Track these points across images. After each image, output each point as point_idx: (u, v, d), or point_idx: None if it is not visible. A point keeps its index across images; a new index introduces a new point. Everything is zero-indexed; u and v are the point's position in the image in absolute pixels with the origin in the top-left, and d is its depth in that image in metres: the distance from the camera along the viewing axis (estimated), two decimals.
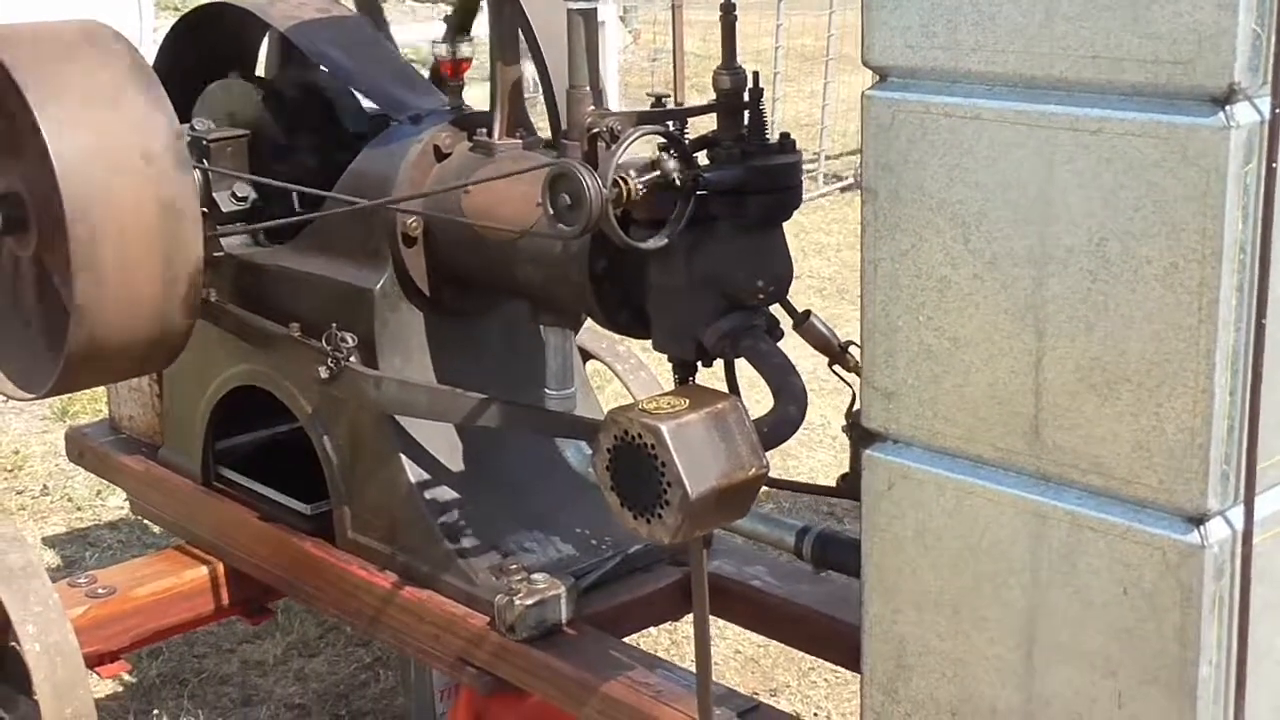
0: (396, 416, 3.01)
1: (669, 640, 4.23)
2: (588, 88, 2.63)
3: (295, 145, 3.37)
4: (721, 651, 4.22)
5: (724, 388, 2.57)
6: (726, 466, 2.28)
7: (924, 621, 2.16)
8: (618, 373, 3.84)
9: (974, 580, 2.09)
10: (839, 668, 3.29)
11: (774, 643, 3.72)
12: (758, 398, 2.45)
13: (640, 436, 2.27)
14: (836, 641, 2.87)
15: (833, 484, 2.73)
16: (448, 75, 3.09)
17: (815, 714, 4.00)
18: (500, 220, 2.80)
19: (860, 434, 2.20)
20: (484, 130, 2.97)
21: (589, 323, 2.94)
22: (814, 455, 5.35)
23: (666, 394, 2.37)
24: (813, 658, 3.61)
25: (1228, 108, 1.75)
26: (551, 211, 2.38)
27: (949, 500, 2.09)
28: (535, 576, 2.85)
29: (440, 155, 3.00)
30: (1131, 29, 1.81)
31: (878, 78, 2.06)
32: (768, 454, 2.34)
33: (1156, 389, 1.86)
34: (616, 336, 3.06)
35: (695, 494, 2.24)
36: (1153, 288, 1.84)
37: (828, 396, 4.61)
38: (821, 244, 8.21)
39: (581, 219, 2.33)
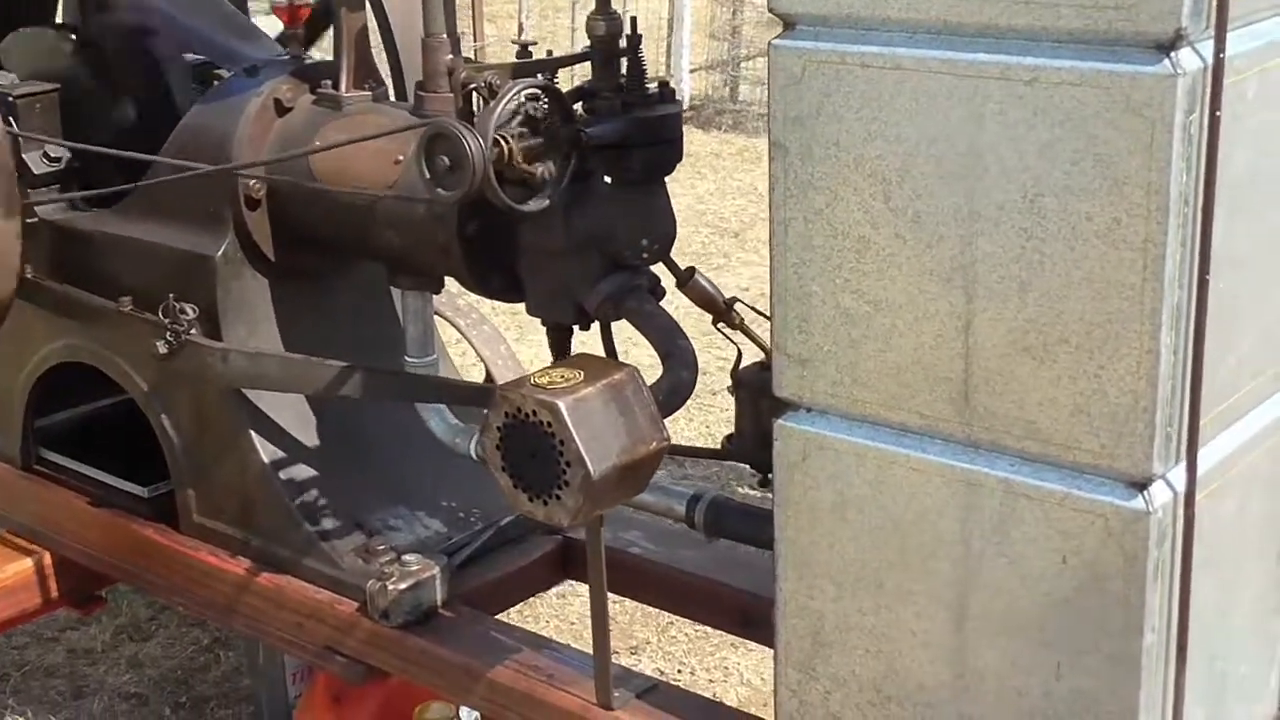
0: (245, 391, 2.86)
1: (526, 611, 4.12)
2: (445, 35, 2.49)
3: (113, 100, 3.15)
4: (577, 610, 4.13)
5: (597, 351, 2.49)
6: (627, 441, 2.21)
7: (844, 597, 2.09)
8: (460, 329, 3.69)
9: (899, 553, 2.03)
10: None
11: (629, 600, 3.66)
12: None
13: (535, 414, 2.18)
14: (726, 608, 2.82)
15: (717, 446, 2.66)
16: (285, 22, 2.89)
17: (679, 670, 3.94)
18: (355, 180, 2.65)
19: (770, 403, 2.11)
20: (329, 82, 2.80)
21: None
22: (695, 419, 5.30)
23: (557, 366, 2.29)
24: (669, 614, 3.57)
25: (1173, 54, 1.69)
26: (428, 175, 2.23)
27: (870, 470, 2.02)
28: (406, 558, 2.73)
29: (282, 109, 2.83)
30: None
31: (785, 26, 1.95)
32: None
33: (1097, 350, 1.80)
34: (457, 289, 2.94)
35: (597, 473, 2.16)
36: (1093, 245, 1.77)
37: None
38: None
39: (463, 182, 2.21)
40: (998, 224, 1.84)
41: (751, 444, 2.52)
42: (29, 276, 3.03)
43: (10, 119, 3.03)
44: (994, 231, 1.84)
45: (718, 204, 7.86)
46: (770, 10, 1.95)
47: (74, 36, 3.20)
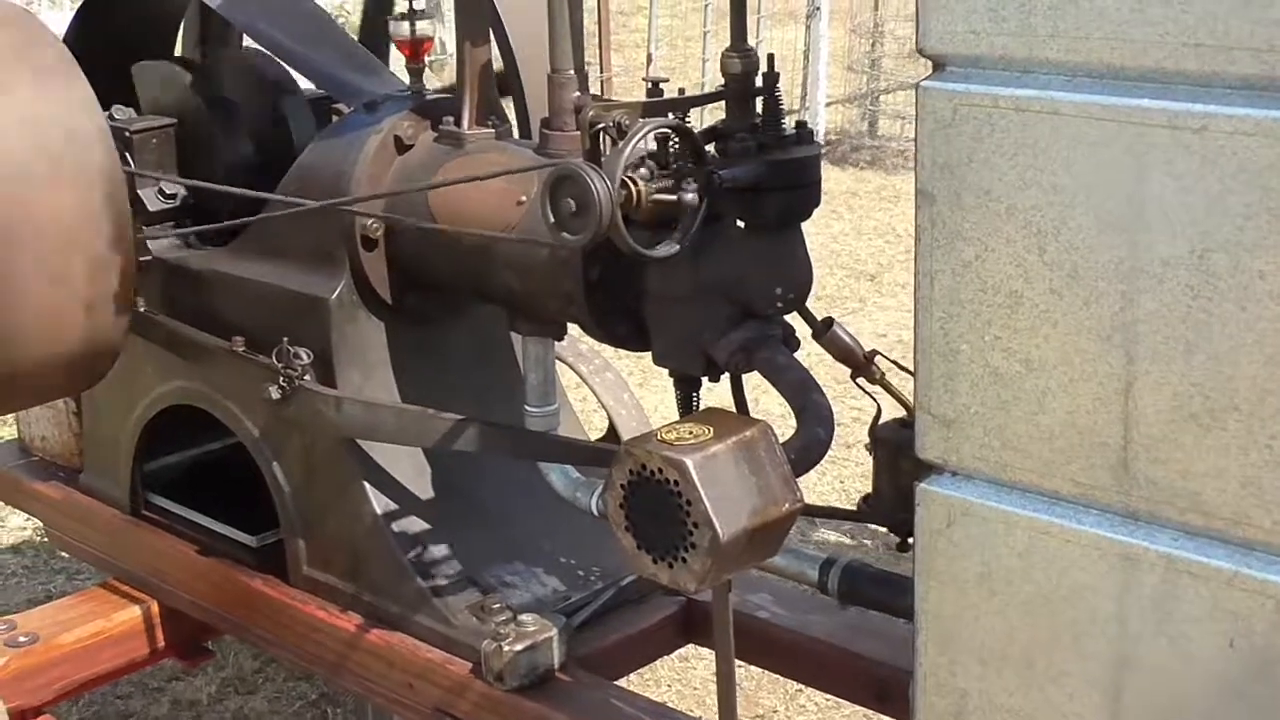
0: (358, 440, 2.88)
1: (646, 675, 4.11)
2: (572, 71, 2.50)
3: (230, 136, 3.20)
4: (700, 675, 4.10)
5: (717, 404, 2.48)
6: (758, 502, 2.20)
7: (989, 675, 2.05)
8: (582, 375, 3.71)
9: (1050, 630, 1.98)
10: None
11: (755, 667, 3.64)
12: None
13: (661, 471, 2.17)
14: (860, 679, 2.78)
15: (852, 505, 2.64)
16: (406, 56, 2.92)
17: None
18: (476, 220, 2.66)
19: (911, 463, 2.08)
20: (450, 119, 2.82)
21: None
22: (827, 473, 5.27)
23: (685, 421, 2.27)
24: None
25: None
26: (552, 218, 2.23)
27: (1020, 540, 1.97)
28: (522, 617, 2.73)
29: (402, 147, 2.85)
30: (1242, 13, 1.68)
31: (934, 67, 1.93)
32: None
33: (1270, 419, 1.75)
34: (578, 333, 2.95)
35: (726, 535, 2.15)
36: (1266, 305, 1.72)
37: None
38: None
39: (589, 227, 2.20)
40: (1161, 280, 1.79)
41: (890, 505, 2.49)
42: (142, 311, 3.08)
43: (127, 154, 3.09)
44: (1157, 289, 1.79)
45: (853, 244, 7.83)
46: (919, 51, 1.93)
47: (192, 70, 3.25)
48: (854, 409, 4.90)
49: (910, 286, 2.02)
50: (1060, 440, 1.92)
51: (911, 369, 2.06)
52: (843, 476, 5.24)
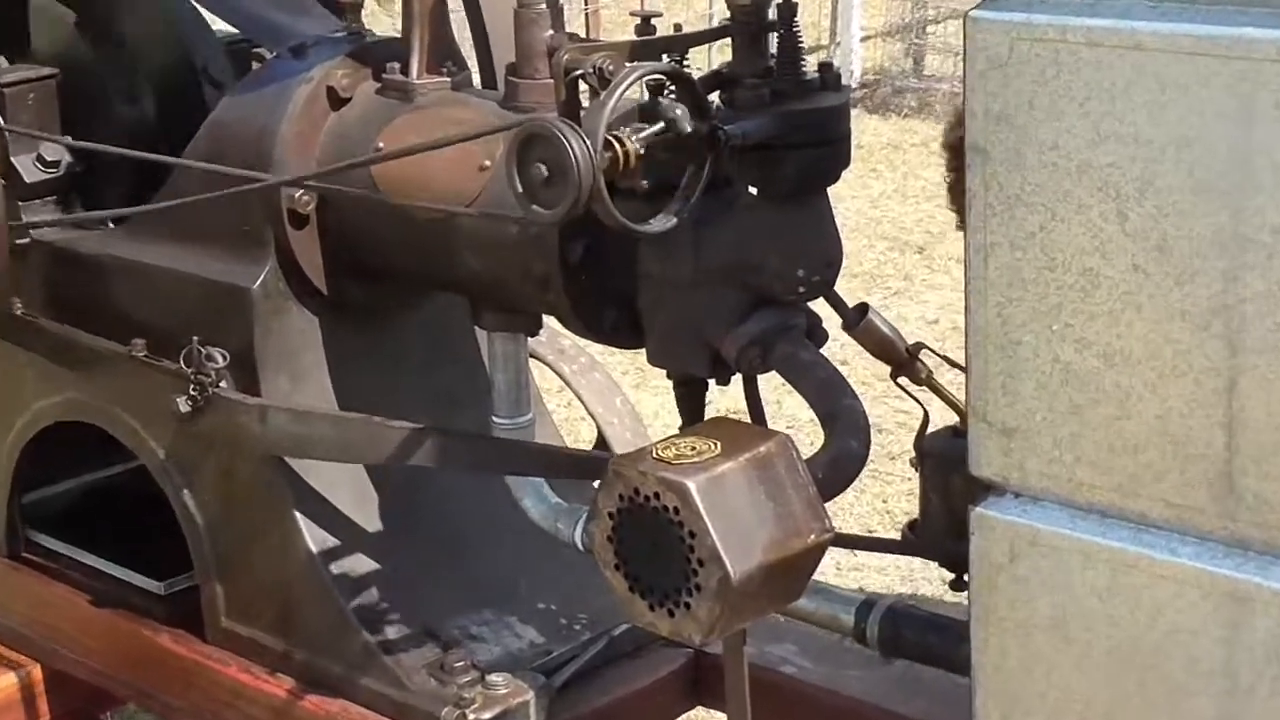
0: (289, 459, 2.90)
1: None
2: (544, 5, 2.51)
3: (126, 89, 3.22)
4: None
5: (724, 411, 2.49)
6: (778, 533, 2.21)
7: None
8: (564, 376, 3.72)
9: (1139, 685, 1.99)
10: None
11: None
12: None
13: (658, 496, 2.19)
14: None
15: (896, 536, 2.67)
16: None
17: None
18: (429, 190, 2.67)
19: (965, 482, 2.09)
20: (396, 65, 2.82)
21: None
22: (864, 493, 5.30)
23: (687, 433, 2.29)
24: None
25: None
26: (521, 187, 2.24)
27: (1100, 576, 1.99)
28: (492, 677, 2.76)
29: (337, 100, 2.86)
30: None
31: None
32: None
33: None
34: (558, 327, 2.96)
35: (739, 574, 2.16)
36: None
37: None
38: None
39: (566, 196, 2.20)
40: (1273, 254, 1.79)
41: (940, 533, 2.51)
42: (18, 313, 3.08)
43: None
44: (1267, 264, 1.80)
45: (897, 210, 7.87)
46: None
47: (79, 9, 3.25)
48: (898, 413, 4.92)
49: None
50: (1148, 451, 1.92)
51: (964, 365, 2.07)
52: (885, 496, 5.26)
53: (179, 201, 2.94)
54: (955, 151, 2.51)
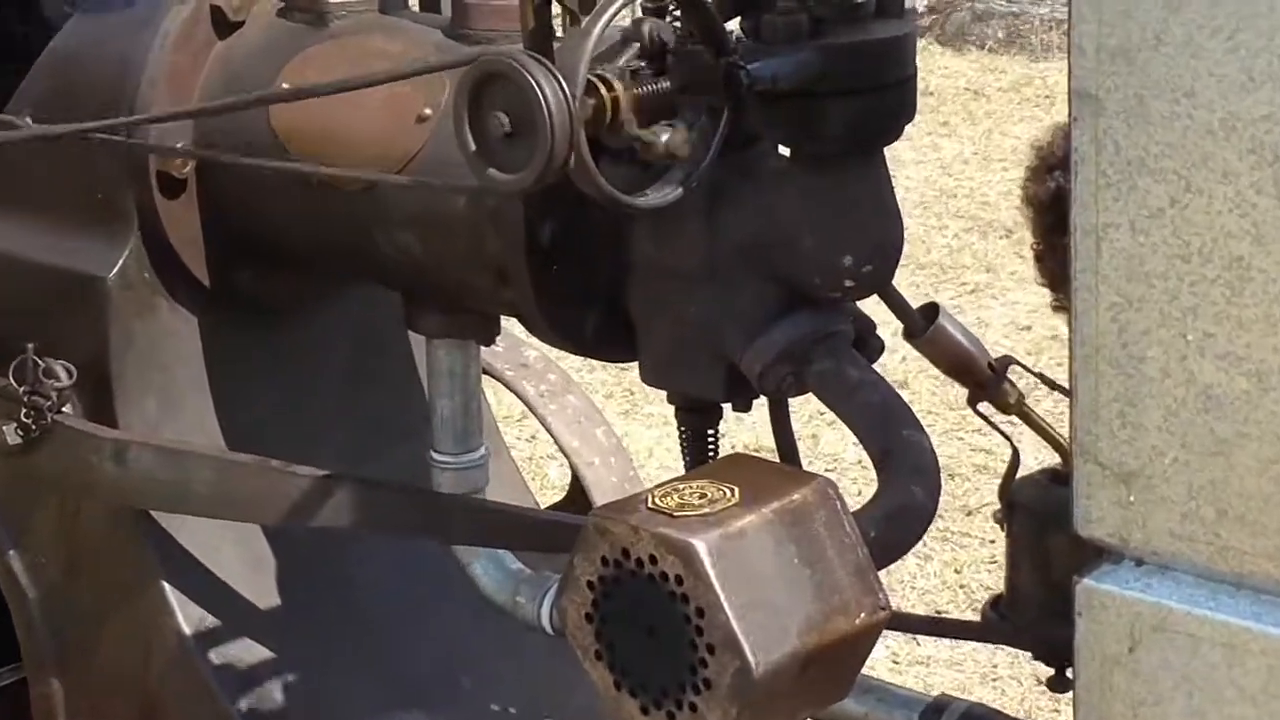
0: (154, 512, 2.92)
1: None
2: None
3: None
4: None
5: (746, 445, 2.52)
6: (815, 611, 2.22)
7: None
8: (528, 400, 3.74)
9: None
10: None
11: None
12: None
13: (654, 561, 2.20)
14: None
15: (973, 617, 2.68)
16: None
17: None
18: (350, 148, 2.71)
19: (1072, 546, 2.11)
20: None
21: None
22: (932, 558, 5.32)
23: (696, 476, 2.30)
24: None
25: None
26: (474, 145, 2.26)
27: (1253, 673, 2.01)
28: None
29: (224, 25, 2.90)
30: None
31: None
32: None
33: None
34: (522, 333, 2.99)
35: (762, 666, 2.17)
36: None
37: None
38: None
39: (535, 159, 2.22)
40: None
41: (1034, 614, 2.53)
42: None
43: None
44: None
45: (977, 178, 7.89)
46: None
47: None
48: (977, 453, 4.95)
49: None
50: None
51: (1067, 386, 2.10)
52: (959, 565, 5.28)
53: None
54: (1041, 209, 2.53)
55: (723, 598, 2.15)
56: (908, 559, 4.70)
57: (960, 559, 5.27)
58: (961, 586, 5.17)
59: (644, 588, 2.20)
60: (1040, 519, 2.45)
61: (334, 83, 2.64)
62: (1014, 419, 2.62)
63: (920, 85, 2.53)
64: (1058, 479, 2.40)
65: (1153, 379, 2.02)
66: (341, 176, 2.70)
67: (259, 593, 2.96)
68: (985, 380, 2.63)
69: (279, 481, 2.75)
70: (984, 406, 2.65)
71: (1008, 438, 2.59)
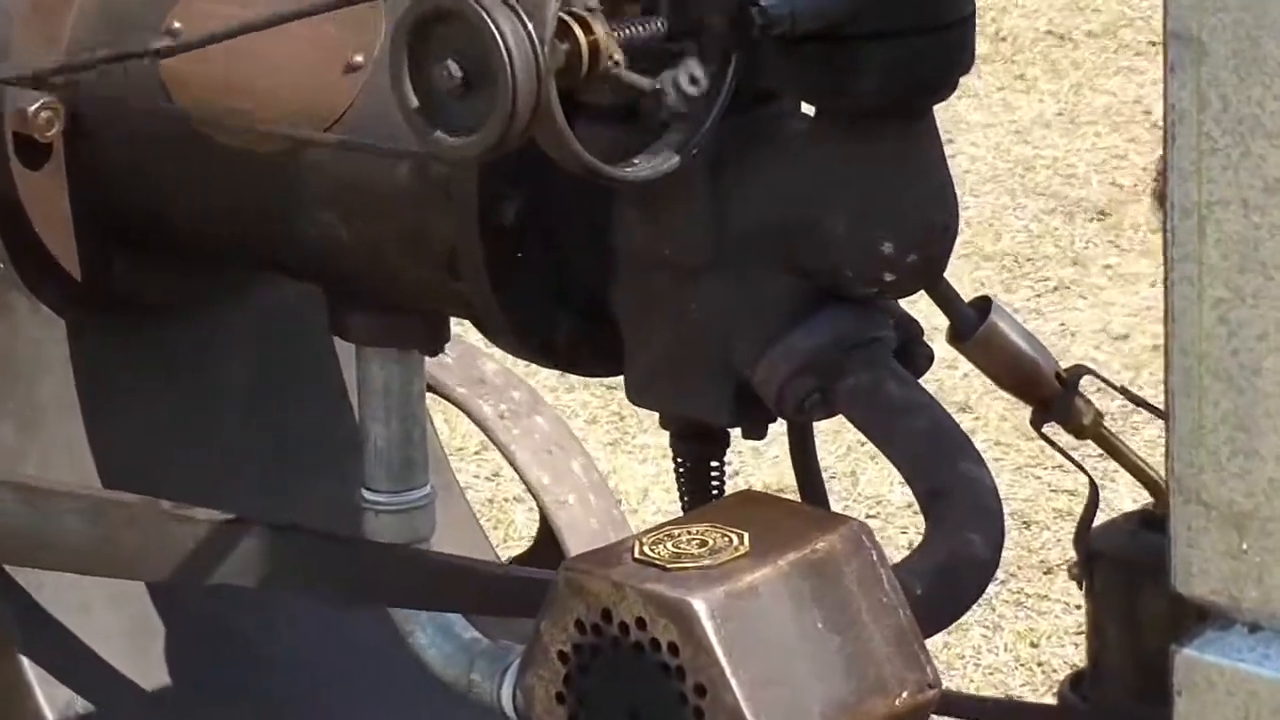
0: (8, 566, 2.95)
1: None
2: None
3: None
4: None
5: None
6: (845, 689, 2.25)
7: None
8: (485, 425, 3.76)
9: None
10: None
11: None
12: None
13: (643, 625, 2.22)
14: None
15: (1048, 699, 2.70)
16: None
17: None
18: (262, 105, 2.74)
19: (1170, 609, 2.14)
20: None
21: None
22: (997, 625, 5.33)
23: (696, 518, 2.32)
24: None
25: None
26: (415, 102, 2.29)
27: None
28: None
29: None
30: None
31: None
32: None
33: None
34: (480, 340, 3.01)
35: None
36: None
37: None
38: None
39: (495, 118, 2.25)
40: None
41: (1122, 691, 2.55)
42: None
43: None
44: None
45: (1061, 146, 7.90)
46: None
47: None
48: (1057, 494, 4.96)
49: None
50: None
51: (1162, 406, 2.12)
52: (1032, 634, 5.29)
53: None
54: None
55: (729, 672, 2.17)
56: (971, 629, 4.74)
57: (1038, 629, 5.28)
58: (1039, 664, 5.18)
59: (630, 659, 2.22)
60: (1129, 574, 2.46)
61: (238, 24, 2.66)
62: (1089, 445, 2.63)
63: (989, 28, 2.56)
64: (1151, 523, 2.42)
65: (1271, 395, 2.04)
66: (250, 136, 2.73)
67: (141, 668, 2.98)
68: (1051, 396, 2.64)
69: (168, 528, 2.76)
70: (1053, 430, 2.66)
71: (1084, 469, 2.60)
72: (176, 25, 2.78)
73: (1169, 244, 2.06)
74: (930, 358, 2.59)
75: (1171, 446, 2.10)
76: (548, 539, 3.46)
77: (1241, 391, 2.05)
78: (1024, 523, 4.20)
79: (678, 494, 2.70)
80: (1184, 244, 2.05)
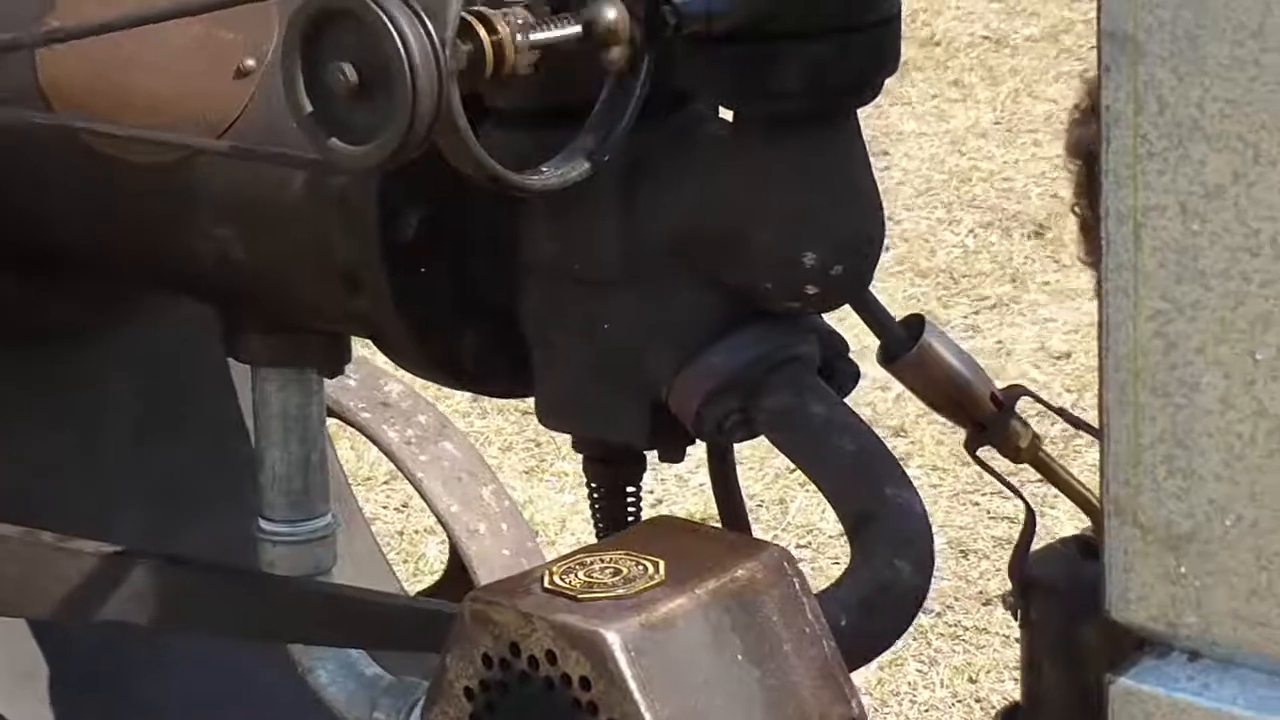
0: None
1: None
2: None
3: None
4: None
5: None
6: None
7: None
8: (391, 450, 3.76)
9: None
10: None
11: None
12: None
13: (552, 659, 2.21)
14: None
15: None
16: None
17: None
18: (147, 111, 2.73)
19: (1104, 637, 2.13)
20: None
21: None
22: (933, 660, 5.34)
23: (610, 546, 2.33)
24: None
25: None
26: (310, 108, 2.28)
27: None
28: None
29: None
30: None
31: None
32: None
33: None
34: (386, 363, 3.01)
35: None
36: None
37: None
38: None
39: (394, 125, 2.24)
40: None
41: None
42: None
43: None
44: None
45: (999, 157, 7.93)
46: None
47: None
48: (998, 521, 4.97)
49: None
50: None
51: (1099, 426, 2.12)
52: (970, 669, 5.30)
53: None
54: (1092, 160, 2.54)
55: (644, 707, 2.17)
56: (906, 663, 4.74)
57: (976, 663, 5.28)
58: (978, 700, 5.18)
59: (539, 695, 2.22)
60: (1064, 602, 2.46)
61: (123, 19, 2.65)
62: (1025, 470, 2.64)
63: (920, 32, 2.56)
64: (1088, 549, 2.41)
65: (1211, 411, 2.04)
66: (135, 142, 2.71)
67: (23, 713, 2.97)
68: (986, 418, 2.65)
69: (52, 561, 2.74)
70: (987, 454, 2.66)
71: (1020, 494, 2.60)
72: (55, 23, 2.78)
73: (1104, 251, 2.06)
74: (856, 375, 2.59)
75: (1106, 466, 2.10)
76: (458, 570, 3.47)
77: (1179, 408, 2.05)
78: (961, 551, 4.22)
79: (591, 517, 2.68)
80: (1119, 252, 2.05)
